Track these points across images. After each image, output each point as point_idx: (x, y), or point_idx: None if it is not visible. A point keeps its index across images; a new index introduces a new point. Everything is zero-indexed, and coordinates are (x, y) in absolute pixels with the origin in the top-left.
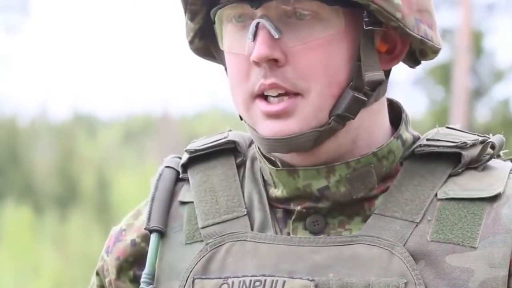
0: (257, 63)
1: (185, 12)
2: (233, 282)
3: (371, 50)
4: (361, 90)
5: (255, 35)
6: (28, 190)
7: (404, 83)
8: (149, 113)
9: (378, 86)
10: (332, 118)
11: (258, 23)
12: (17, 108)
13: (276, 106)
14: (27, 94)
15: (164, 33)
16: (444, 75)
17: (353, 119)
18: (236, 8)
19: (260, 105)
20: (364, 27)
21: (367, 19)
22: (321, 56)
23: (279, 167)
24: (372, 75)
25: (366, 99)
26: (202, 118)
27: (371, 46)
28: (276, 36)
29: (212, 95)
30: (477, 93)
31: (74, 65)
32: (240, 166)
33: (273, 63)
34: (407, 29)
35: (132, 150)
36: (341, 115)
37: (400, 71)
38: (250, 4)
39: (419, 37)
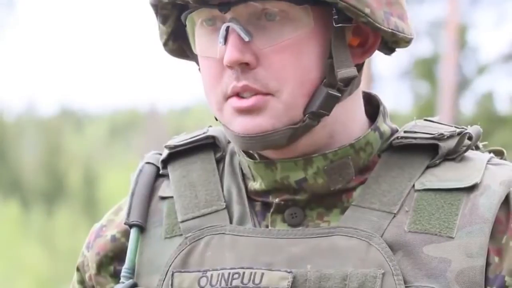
0: (229, 66)
1: (156, 16)
2: (211, 275)
3: (343, 47)
4: (334, 87)
5: (225, 39)
6: (15, 185)
7: (389, 77)
8: (136, 108)
9: (352, 81)
10: (307, 115)
11: (228, 27)
12: (3, 103)
13: (247, 101)
14: (14, 89)
15: (151, 28)
16: (429, 69)
17: (328, 115)
18: (206, 12)
19: (232, 102)
20: (334, 25)
21: (336, 17)
22: (292, 56)
23: (257, 159)
24: (344, 72)
25: (340, 95)
26: (189, 113)
27: (342, 43)
28: (246, 39)
29: (199, 90)
30: (461, 87)
31: (61, 60)
32: (220, 160)
33: (245, 66)
34: (376, 24)
35: (119, 145)
36: (316, 112)
37: (385, 65)
38: (218, 9)
39: (389, 30)
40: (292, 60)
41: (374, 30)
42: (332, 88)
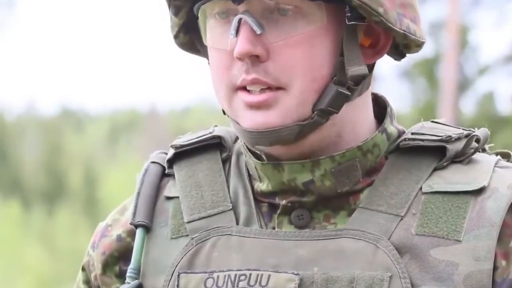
0: (239, 58)
1: (169, 7)
2: (218, 277)
3: (354, 45)
4: (344, 85)
5: (237, 31)
6: (15, 185)
7: (389, 77)
8: (136, 108)
9: (362, 80)
10: (315, 112)
11: (240, 19)
12: (4, 103)
13: (257, 97)
14: (14, 89)
15: (152, 28)
16: (429, 69)
17: (337, 113)
18: (219, 4)
19: (242, 96)
20: (347, 22)
21: (349, 14)
22: (303, 51)
23: (264, 161)
24: (355, 69)
25: (349, 93)
26: (189, 113)
27: (354, 41)
28: (258, 32)
29: (200, 90)
30: (462, 87)
31: (61, 60)
32: (226, 161)
33: (255, 58)
34: (389, 24)
35: (119, 145)
36: (325, 110)
37: (385, 65)
38: (232, 0)
39: (401, 31)
40: (303, 56)
41: (386, 31)
42: (342, 86)
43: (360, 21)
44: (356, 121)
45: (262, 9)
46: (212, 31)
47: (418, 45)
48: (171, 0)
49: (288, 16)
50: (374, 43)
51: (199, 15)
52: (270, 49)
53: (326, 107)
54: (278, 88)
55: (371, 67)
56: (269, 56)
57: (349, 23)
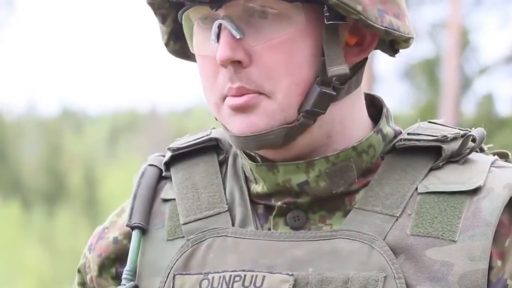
0: (222, 65)
1: (156, 15)
2: (213, 278)
3: (335, 44)
4: (329, 85)
5: (218, 36)
6: (16, 186)
7: (390, 77)
8: (136, 109)
9: (348, 79)
10: (301, 114)
11: (220, 24)
12: (4, 103)
13: (240, 99)
14: (14, 89)
15: (152, 29)
16: (430, 70)
17: (324, 113)
18: (200, 10)
19: (227, 100)
20: (325, 22)
21: (327, 14)
22: (285, 54)
23: (258, 162)
24: (335, 69)
25: (335, 93)
26: (190, 114)
27: (334, 41)
28: (238, 37)
29: (200, 91)
30: (462, 88)
31: (61, 60)
32: (223, 163)
33: (237, 64)
34: (369, 21)
35: (119, 146)
36: (310, 111)
37: (387, 66)
38: (210, 6)
39: (383, 28)
40: (285, 58)
41: (368, 28)
42: (326, 86)
43: (339, 20)
44: (346, 120)
45: (242, 13)
46: (196, 38)
47: (405, 40)
48: (155, 9)
49: (268, 19)
50: (360, 41)
51: (183, 22)
52: (252, 53)
53: (311, 108)
54: (261, 94)
55: (359, 65)
56: (251, 61)
57: (328, 22)
